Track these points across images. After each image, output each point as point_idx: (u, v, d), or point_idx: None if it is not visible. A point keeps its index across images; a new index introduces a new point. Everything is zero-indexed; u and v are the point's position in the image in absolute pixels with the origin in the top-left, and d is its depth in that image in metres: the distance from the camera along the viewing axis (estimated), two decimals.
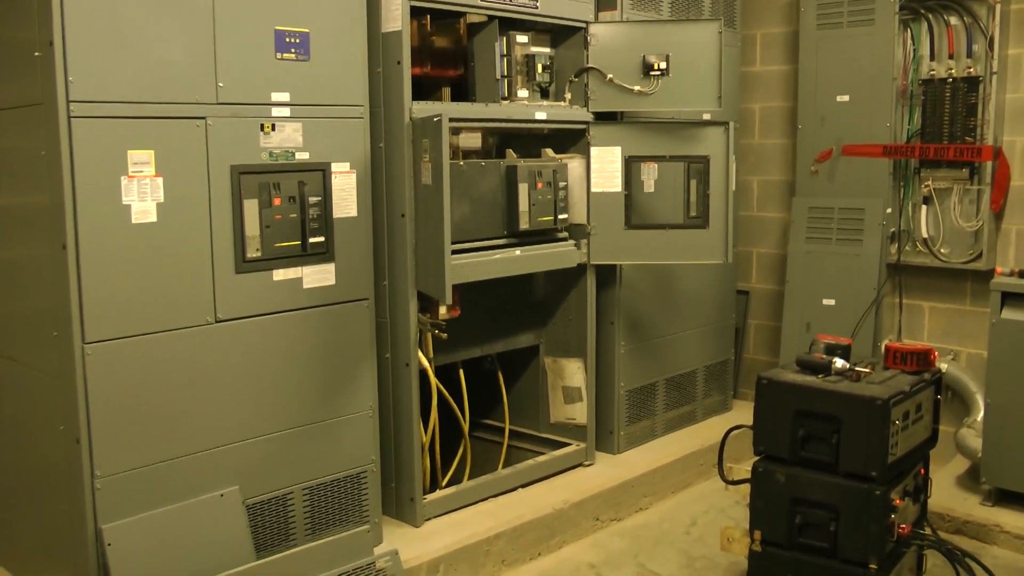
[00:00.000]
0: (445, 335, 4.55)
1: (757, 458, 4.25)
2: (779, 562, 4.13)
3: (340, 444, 4.30)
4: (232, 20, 3.82)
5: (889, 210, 5.97)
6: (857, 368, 4.22)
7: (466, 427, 5.20)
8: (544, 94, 5.15)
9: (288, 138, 4.01)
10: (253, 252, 3.93)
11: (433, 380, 4.62)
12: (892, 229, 6.01)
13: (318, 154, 4.11)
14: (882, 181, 5.98)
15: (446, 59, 5.00)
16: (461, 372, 5.19)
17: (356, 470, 4.36)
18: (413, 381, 4.50)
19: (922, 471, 4.40)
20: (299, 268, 4.08)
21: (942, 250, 5.92)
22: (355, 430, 4.35)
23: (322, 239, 4.13)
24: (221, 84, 3.80)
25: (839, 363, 4.22)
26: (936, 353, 4.41)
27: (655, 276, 5.74)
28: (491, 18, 4.79)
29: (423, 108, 4.40)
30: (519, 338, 5.46)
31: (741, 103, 6.61)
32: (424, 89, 5.01)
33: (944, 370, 5.86)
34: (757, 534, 4.20)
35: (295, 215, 4.04)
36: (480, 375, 5.60)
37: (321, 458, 4.23)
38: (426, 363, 4.57)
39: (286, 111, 3.99)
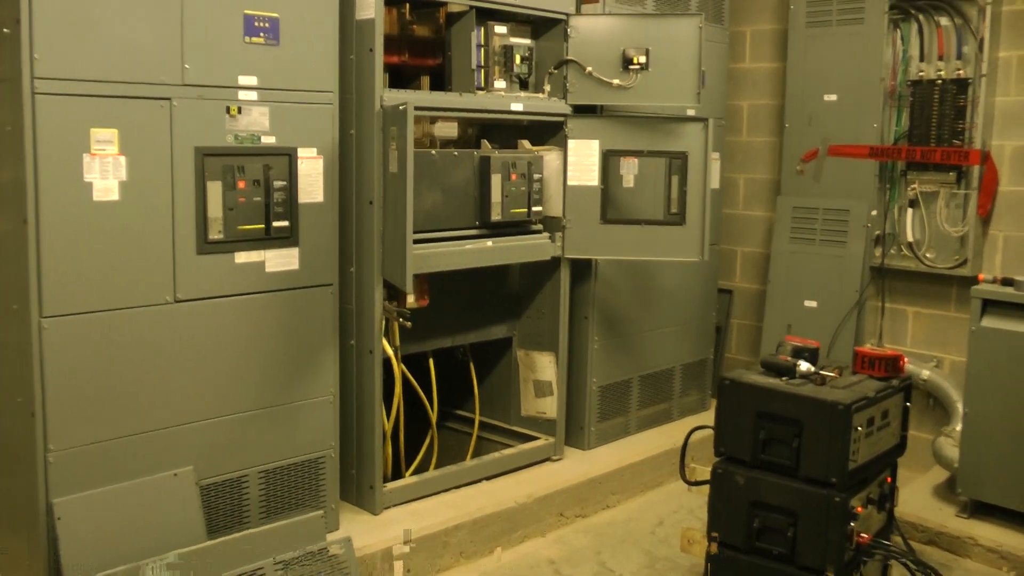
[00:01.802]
0: (410, 324, 4.52)
1: (717, 459, 4.21)
2: (736, 566, 4.09)
3: (298, 429, 4.28)
4: (200, 3, 3.81)
5: (874, 212, 5.92)
6: (823, 372, 4.17)
7: (434, 417, 5.18)
8: (523, 85, 5.12)
9: (255, 122, 3.99)
10: (215, 234, 3.92)
11: (397, 369, 4.60)
12: (877, 232, 5.96)
13: (285, 139, 4.09)
14: (868, 183, 5.93)
15: (425, 48, 4.97)
16: (431, 361, 5.18)
17: (314, 455, 4.35)
18: (376, 369, 4.48)
19: (888, 479, 4.35)
20: (262, 251, 4.07)
21: (927, 255, 5.86)
22: (314, 415, 4.33)
23: (286, 223, 4.11)
24: (187, 66, 3.78)
25: (804, 366, 4.17)
26: (905, 359, 4.37)
27: (633, 272, 5.70)
28: (470, 8, 4.75)
29: (395, 96, 4.36)
30: (492, 330, 5.43)
31: (729, 100, 6.56)
32: (404, 78, 5.00)
33: (926, 377, 5.83)
34: (715, 536, 4.16)
35: (259, 199, 4.02)
36: (453, 366, 5.59)
37: (279, 442, 4.22)
38: (390, 351, 4.55)
39: (253, 95, 3.98)
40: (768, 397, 4.06)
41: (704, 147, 5.08)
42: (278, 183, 4.06)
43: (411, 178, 4.12)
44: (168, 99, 3.75)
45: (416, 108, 4.33)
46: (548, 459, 5.40)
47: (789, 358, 4.25)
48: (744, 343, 6.89)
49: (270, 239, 4.08)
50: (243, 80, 3.94)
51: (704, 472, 4.40)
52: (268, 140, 4.04)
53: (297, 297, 4.21)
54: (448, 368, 5.55)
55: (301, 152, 4.14)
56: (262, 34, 3.97)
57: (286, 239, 4.13)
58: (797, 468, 3.95)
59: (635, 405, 5.88)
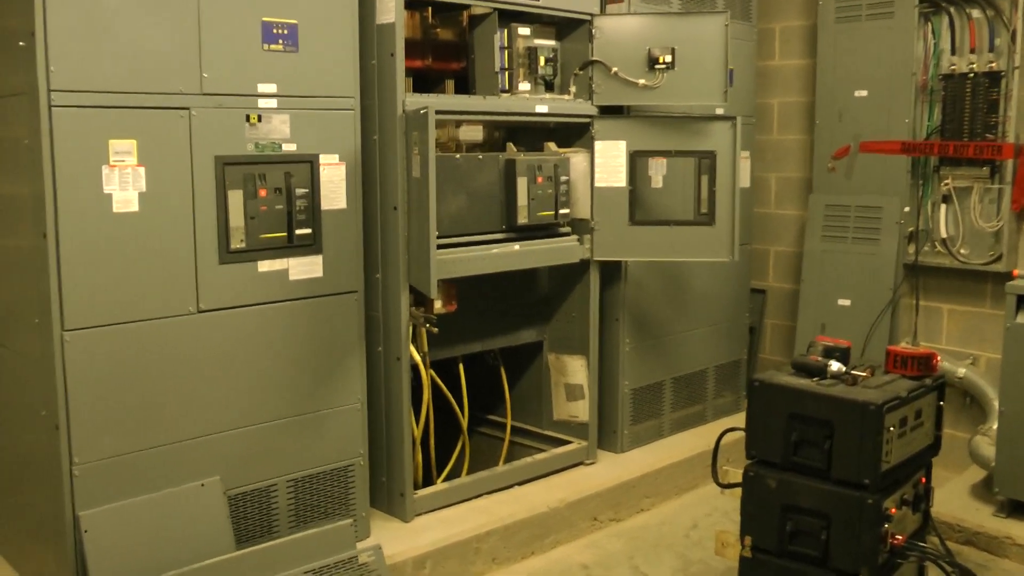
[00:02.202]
0: (436, 330, 4.50)
1: (749, 462, 4.15)
2: (769, 569, 4.03)
3: (327, 437, 4.27)
4: (218, 10, 3.80)
5: (907, 209, 5.83)
6: (854, 372, 4.10)
7: (464, 422, 5.15)
8: (548, 87, 5.08)
9: (275, 129, 3.99)
10: (237, 243, 3.91)
11: (425, 375, 4.58)
12: (910, 228, 5.87)
13: (306, 146, 4.08)
14: (900, 179, 5.84)
15: (449, 52, 4.94)
16: (461, 367, 5.15)
17: (343, 463, 4.34)
18: (404, 375, 4.46)
19: (923, 480, 4.27)
20: (285, 260, 4.06)
21: (961, 251, 5.76)
22: (342, 423, 4.32)
23: (309, 231, 4.10)
24: (206, 75, 3.78)
25: (835, 366, 4.10)
26: (938, 357, 4.28)
27: (664, 273, 5.65)
28: (493, 10, 4.71)
29: (418, 101, 4.35)
30: (521, 334, 5.40)
31: (758, 98, 6.48)
32: (428, 82, 4.98)
33: (961, 375, 5.73)
34: (747, 540, 4.10)
35: (281, 206, 4.01)
36: (484, 370, 5.56)
37: (307, 450, 4.21)
38: (418, 358, 4.53)
39: (273, 102, 3.97)
40: (799, 398, 3.99)
41: (732, 146, 5.02)
42: (300, 190, 4.05)
43: (433, 183, 4.10)
44: (187, 108, 3.75)
45: (438, 112, 4.31)
46: (581, 463, 5.36)
47: (820, 358, 4.18)
48: (778, 343, 6.81)
49: (293, 247, 4.07)
50: (262, 88, 3.93)
51: (737, 475, 4.35)
52: (289, 147, 4.03)
53: (322, 305, 4.20)
54: (479, 373, 5.52)
55: (323, 159, 4.13)
56: (281, 41, 3.96)
57: (309, 247, 4.12)
58: (829, 470, 3.88)
59: (668, 407, 5.83)
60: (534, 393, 5.59)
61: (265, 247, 4.00)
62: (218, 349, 3.92)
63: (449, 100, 4.61)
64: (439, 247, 4.46)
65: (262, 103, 3.94)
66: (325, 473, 4.28)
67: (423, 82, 4.95)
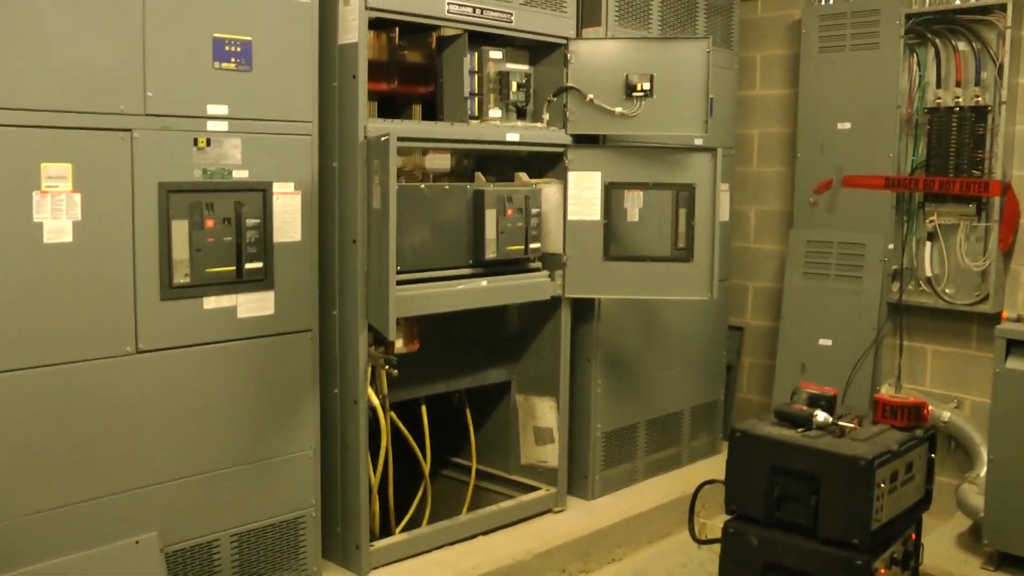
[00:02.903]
0: (395, 371, 4.21)
1: (728, 517, 3.89)
2: None
3: (276, 487, 3.97)
4: (165, 25, 3.51)
5: (891, 246, 5.61)
6: (841, 423, 3.85)
7: (426, 468, 4.86)
8: (520, 114, 4.83)
9: (225, 154, 3.70)
10: (181, 277, 3.62)
11: (383, 419, 4.28)
12: (894, 266, 5.65)
13: (259, 173, 3.79)
14: (884, 215, 5.62)
15: (417, 75, 4.68)
16: (423, 409, 4.86)
17: (293, 515, 4.03)
18: (362, 420, 4.16)
19: (912, 536, 4.02)
20: (233, 296, 3.77)
21: (947, 290, 5.55)
22: (293, 472, 4.02)
23: (260, 265, 3.81)
24: (150, 94, 3.49)
25: (821, 416, 3.85)
26: (929, 408, 4.05)
27: (638, 311, 5.39)
28: (464, 32, 4.45)
29: (381, 126, 4.07)
30: (489, 373, 5.12)
31: (738, 128, 6.26)
32: (395, 107, 4.72)
33: (947, 419, 5.51)
34: None
35: (230, 238, 3.73)
36: (450, 411, 5.27)
37: (253, 502, 3.91)
38: (376, 401, 4.23)
39: (223, 125, 3.68)
40: (783, 451, 3.74)
41: (712, 178, 4.78)
42: (251, 221, 3.76)
43: (394, 214, 3.82)
44: (128, 130, 3.45)
45: (402, 139, 4.05)
46: (549, 510, 5.06)
47: (805, 407, 3.93)
48: (756, 382, 6.56)
49: (242, 282, 3.78)
50: (212, 109, 3.65)
51: (715, 528, 4.09)
52: (240, 174, 3.74)
53: (272, 345, 3.90)
54: (445, 413, 5.24)
55: (277, 187, 3.84)
56: (233, 59, 3.68)
57: (260, 282, 3.83)
58: (815, 528, 3.63)
59: (642, 451, 5.55)
60: (502, 436, 5.30)
61: (212, 282, 3.70)
62: (158, 393, 3.61)
63: (414, 126, 4.34)
64: (401, 283, 4.20)
65: (212, 125, 3.65)
66: (273, 526, 3.97)
67: (389, 106, 4.69)
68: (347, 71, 4.03)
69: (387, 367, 4.20)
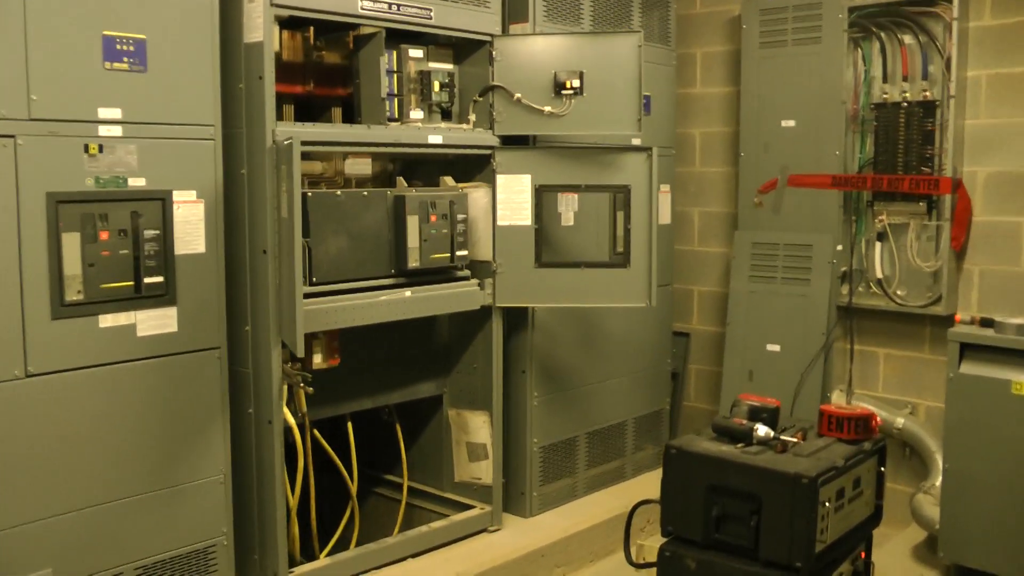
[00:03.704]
0: (310, 389, 3.96)
1: (665, 540, 3.67)
2: None
3: (183, 515, 3.72)
4: (49, 23, 3.26)
5: (840, 247, 5.41)
6: (783, 437, 3.65)
7: (353, 488, 4.62)
8: (446, 116, 4.60)
9: (119, 161, 3.44)
10: (74, 295, 3.36)
11: (299, 439, 4.02)
12: (843, 268, 5.44)
13: (157, 180, 3.54)
14: (832, 215, 5.42)
15: (336, 77, 4.44)
16: (349, 425, 4.62)
17: (203, 544, 3.78)
18: (276, 441, 3.91)
19: (863, 554, 3.82)
20: (132, 313, 3.51)
21: (898, 292, 5.36)
22: (202, 499, 3.76)
23: (160, 279, 3.56)
24: (34, 97, 3.24)
25: (761, 431, 3.65)
26: (878, 419, 3.85)
27: (576, 318, 5.16)
28: (381, 30, 4.21)
29: (290, 130, 3.82)
30: (419, 387, 4.88)
31: (679, 127, 6.06)
32: (314, 110, 4.49)
33: (900, 426, 5.32)
34: None
35: (127, 251, 3.47)
36: (381, 427, 5.03)
37: (159, 532, 3.65)
38: (292, 420, 3.98)
39: (117, 130, 3.43)
40: (721, 468, 3.53)
41: (648, 179, 4.56)
42: (149, 232, 3.51)
43: (299, 223, 3.59)
44: (11, 136, 3.20)
45: (312, 143, 3.86)
46: (484, 530, 4.83)
47: (744, 421, 3.72)
48: (704, 390, 6.34)
49: (141, 298, 3.52)
50: (104, 113, 3.39)
51: (654, 550, 3.86)
52: (136, 182, 3.48)
53: (176, 364, 3.65)
54: (377, 430, 5.01)
55: (177, 195, 3.59)
56: (126, 59, 3.42)
57: (161, 297, 3.57)
58: (756, 550, 3.42)
59: (583, 465, 5.33)
60: (435, 452, 5.06)
61: (108, 299, 3.44)
62: (51, 419, 3.35)
63: (325, 130, 4.07)
64: (317, 295, 3.98)
65: (104, 130, 3.40)
66: (182, 556, 3.72)
67: (307, 110, 4.45)
68: (253, 72, 3.78)
69: (303, 385, 3.95)
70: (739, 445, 3.62)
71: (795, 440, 3.63)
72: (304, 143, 3.88)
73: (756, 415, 3.78)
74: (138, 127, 3.47)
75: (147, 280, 3.51)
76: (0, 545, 3.25)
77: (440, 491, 5.04)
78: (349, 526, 4.73)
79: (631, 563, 3.89)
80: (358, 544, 4.60)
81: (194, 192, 3.63)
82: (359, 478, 5.05)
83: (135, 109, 3.46)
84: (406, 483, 5.00)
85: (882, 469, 3.81)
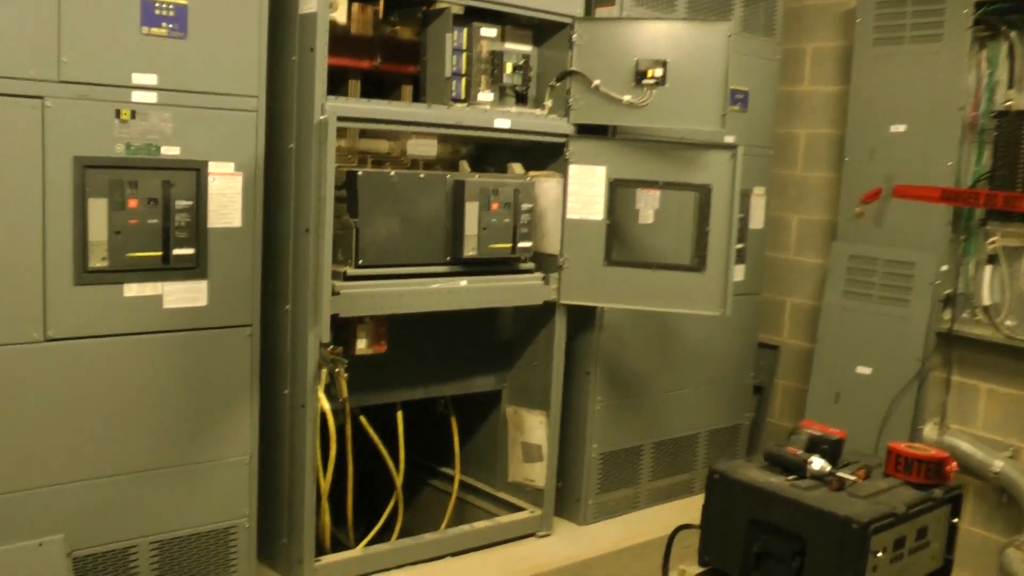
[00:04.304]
0: (345, 374, 3.80)
1: (701, 569, 3.40)
2: None
3: (204, 494, 3.62)
4: None
5: (945, 267, 4.97)
6: (840, 474, 3.32)
7: (399, 479, 4.45)
8: (521, 100, 4.37)
9: (152, 129, 3.33)
10: (98, 261, 3.27)
11: (332, 425, 3.86)
12: (947, 291, 5.00)
13: (192, 150, 3.42)
14: (939, 231, 4.98)
15: (405, 53, 4.26)
16: (399, 414, 4.45)
17: (223, 525, 3.67)
18: (309, 425, 3.76)
19: None
20: (159, 284, 3.41)
21: (1007, 322, 4.87)
22: (224, 479, 3.65)
23: (191, 251, 3.44)
24: (65, 59, 3.14)
25: (817, 464, 3.33)
26: (954, 464, 3.47)
27: (650, 321, 4.88)
28: (450, 5, 4.01)
29: (340, 106, 3.65)
30: (476, 381, 4.67)
31: (783, 127, 5.69)
32: (384, 87, 4.32)
33: (998, 469, 4.85)
34: None
35: (156, 221, 3.36)
36: (440, 418, 4.85)
37: (177, 508, 3.57)
38: (326, 405, 3.81)
39: (152, 96, 3.31)
40: (765, 501, 3.23)
41: (731, 180, 4.25)
42: (181, 203, 3.39)
43: (330, 201, 3.43)
44: (39, 97, 3.11)
45: (362, 120, 3.71)
46: (533, 534, 4.61)
47: (800, 452, 3.41)
48: (790, 407, 5.97)
49: (170, 269, 3.41)
50: (139, 79, 3.27)
51: None
52: (170, 151, 3.37)
53: (204, 339, 3.53)
54: (436, 420, 4.85)
55: (213, 167, 3.46)
56: (165, 24, 3.30)
57: (191, 270, 3.45)
58: None
59: (647, 476, 5.05)
60: (490, 449, 4.86)
61: (133, 268, 3.34)
62: (69, 385, 3.28)
63: (380, 107, 3.85)
64: (364, 278, 3.82)
65: (137, 96, 3.28)
66: (200, 535, 3.62)
67: (378, 86, 4.29)
68: (306, 44, 3.62)
69: (337, 369, 3.79)
70: (791, 477, 3.32)
71: (854, 479, 3.31)
72: (357, 120, 3.75)
73: (815, 446, 3.47)
74: (174, 95, 3.35)
75: (176, 252, 3.40)
76: (13, 507, 3.20)
77: (493, 490, 4.84)
78: (394, 517, 4.57)
79: None
80: (402, 536, 4.44)
81: (232, 164, 3.49)
82: (415, 468, 4.94)
83: (172, 76, 3.34)
84: (457, 478, 4.82)
85: (955, 520, 3.45)
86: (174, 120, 3.36)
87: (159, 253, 3.37)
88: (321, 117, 3.44)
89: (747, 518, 3.24)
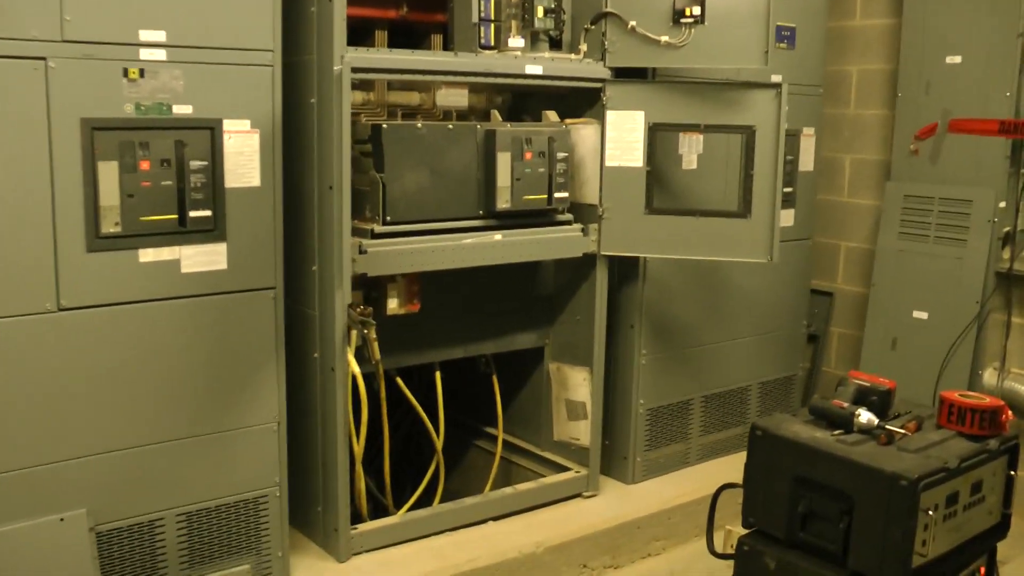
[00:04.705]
0: (374, 335, 3.68)
1: (745, 531, 3.26)
2: None
3: (232, 463, 3.52)
4: None
5: (1003, 204, 4.73)
6: (889, 427, 3.15)
7: (439, 442, 4.35)
8: (555, 45, 4.21)
9: (163, 87, 3.20)
10: (111, 226, 3.16)
11: (362, 388, 3.74)
12: (1006, 228, 4.77)
13: (205, 108, 3.28)
14: (996, 167, 4.74)
15: (435, 1, 4.11)
16: (437, 375, 4.34)
17: (253, 494, 3.58)
18: (339, 388, 3.67)
19: (982, 571, 3.29)
20: (176, 248, 3.29)
21: None
22: (253, 447, 3.55)
23: (208, 213, 3.32)
24: (68, 17, 3.01)
25: (864, 417, 3.16)
26: (1010, 413, 3.29)
27: (695, 270, 4.70)
28: None
29: (361, 57, 3.51)
30: (517, 338, 4.54)
31: (834, 64, 5.43)
32: (415, 36, 4.19)
33: None
34: None
35: (170, 183, 3.24)
36: (483, 377, 4.73)
37: (204, 479, 3.47)
38: (356, 368, 3.70)
39: (161, 53, 3.18)
40: (810, 458, 3.08)
41: (776, 120, 4.05)
42: (196, 163, 3.27)
43: (347, 155, 3.30)
44: (42, 58, 2.98)
45: (386, 70, 3.56)
46: (579, 495, 4.49)
47: (846, 404, 3.24)
48: (847, 356, 5.75)
49: (186, 232, 3.29)
50: (146, 35, 3.14)
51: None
52: (182, 110, 3.24)
53: (226, 304, 3.42)
54: (480, 378, 4.73)
55: (228, 125, 3.32)
56: None
57: (209, 232, 3.33)
58: (845, 556, 2.98)
59: (696, 431, 4.90)
60: (535, 407, 4.74)
61: (148, 232, 3.22)
62: (85, 356, 3.18)
63: (403, 57, 3.68)
64: (392, 235, 3.70)
65: (145, 54, 3.15)
66: (229, 506, 3.53)
67: (409, 36, 4.15)
68: None
69: (366, 330, 3.67)
70: (837, 432, 3.16)
71: (903, 432, 3.14)
72: (378, 71, 3.60)
73: (863, 397, 3.30)
74: (185, 51, 3.22)
75: (193, 214, 3.28)
76: (33, 482, 3.12)
77: (539, 449, 4.73)
78: (436, 481, 4.47)
79: (712, 551, 3.48)
80: (446, 500, 4.34)
81: (248, 122, 3.36)
82: (458, 428, 4.86)
83: (182, 31, 3.20)
84: (500, 438, 4.71)
85: (1012, 472, 3.26)
86: (185, 77, 3.23)
87: (174, 216, 3.26)
88: (336, 68, 3.28)
89: (792, 476, 3.11)
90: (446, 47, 4.14)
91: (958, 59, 4.81)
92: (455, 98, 4.10)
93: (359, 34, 4.07)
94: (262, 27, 3.36)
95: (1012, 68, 4.64)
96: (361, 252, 3.58)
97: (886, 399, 3.29)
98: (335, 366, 3.65)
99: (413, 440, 4.87)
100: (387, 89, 4.00)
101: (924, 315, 4.94)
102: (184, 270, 3.32)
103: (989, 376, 4.81)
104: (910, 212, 5.02)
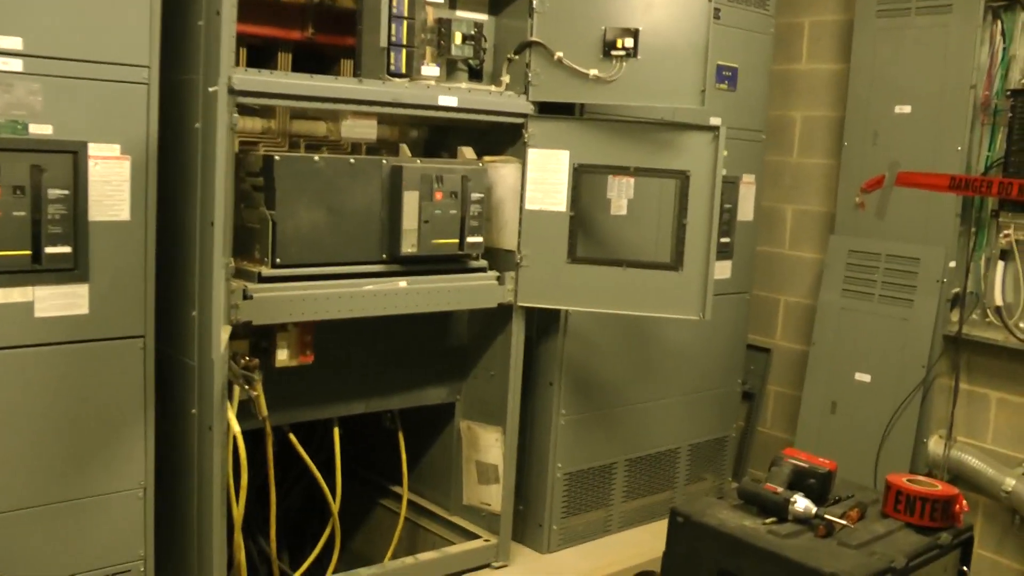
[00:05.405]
0: (255, 392, 3.28)
1: None
2: None
3: (90, 534, 3.11)
4: None
5: (953, 264, 4.47)
6: (828, 516, 2.82)
7: (335, 505, 3.95)
8: (475, 75, 3.87)
9: (18, 102, 2.81)
10: None
11: (242, 449, 3.33)
12: (955, 289, 4.51)
13: (68, 129, 2.90)
14: (946, 224, 4.48)
15: (346, 24, 3.74)
16: (336, 432, 3.96)
17: (113, 569, 3.16)
18: (217, 449, 3.24)
19: None
20: (28, 288, 2.89)
21: (1021, 324, 4.38)
22: (115, 515, 3.15)
23: (68, 249, 2.92)
24: None
25: (801, 504, 2.85)
26: (965, 503, 2.98)
27: (622, 324, 4.36)
28: None
29: (252, 80, 3.13)
30: (426, 393, 4.16)
31: (778, 109, 5.16)
32: (324, 61, 3.82)
33: (1010, 488, 4.38)
34: None
35: (23, 213, 2.84)
36: (386, 432, 4.36)
37: (57, 553, 3.05)
38: (236, 426, 3.29)
39: (16, 63, 2.79)
40: (737, 551, 2.75)
41: (712, 165, 3.73)
42: (55, 192, 2.87)
43: (221, 190, 2.88)
44: None
45: (268, 95, 3.16)
46: (488, 565, 4.11)
47: (780, 489, 2.91)
48: (784, 416, 5.45)
49: (42, 271, 2.89)
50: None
51: None
52: (40, 130, 2.85)
53: (87, 353, 3.02)
54: (387, 434, 4.36)
55: (94, 149, 2.94)
56: None
57: (68, 271, 2.94)
58: None
59: (620, 496, 4.53)
60: (445, 467, 4.35)
61: None
62: None
63: (299, 82, 3.26)
64: (283, 279, 3.32)
65: None
66: None
67: (318, 61, 3.79)
68: (212, 6, 3.08)
69: (246, 385, 3.27)
70: (769, 520, 2.83)
71: (844, 523, 2.81)
72: (270, 95, 3.21)
73: (800, 481, 2.98)
74: (46, 62, 2.83)
75: (49, 250, 2.88)
76: None
77: (448, 513, 4.33)
78: (338, 545, 4.07)
79: None
80: (343, 563, 3.95)
81: (118, 146, 2.98)
82: (366, 486, 4.50)
83: (42, 40, 2.82)
84: (405, 500, 4.33)
85: (964, 569, 2.95)
86: (45, 93, 2.84)
87: (28, 252, 2.86)
88: (211, 89, 2.91)
89: (716, 570, 2.77)
90: (356, 73, 3.77)
91: (907, 108, 4.55)
92: (362, 130, 3.73)
93: (261, 55, 3.72)
94: (137, 40, 2.99)
95: (963, 120, 4.39)
96: (246, 297, 3.18)
97: (825, 483, 2.98)
98: (212, 424, 3.24)
99: (317, 496, 4.47)
100: (289, 118, 3.64)
101: (867, 378, 4.64)
102: (38, 314, 2.92)
103: (935, 444, 4.53)
104: (855, 268, 4.74)
